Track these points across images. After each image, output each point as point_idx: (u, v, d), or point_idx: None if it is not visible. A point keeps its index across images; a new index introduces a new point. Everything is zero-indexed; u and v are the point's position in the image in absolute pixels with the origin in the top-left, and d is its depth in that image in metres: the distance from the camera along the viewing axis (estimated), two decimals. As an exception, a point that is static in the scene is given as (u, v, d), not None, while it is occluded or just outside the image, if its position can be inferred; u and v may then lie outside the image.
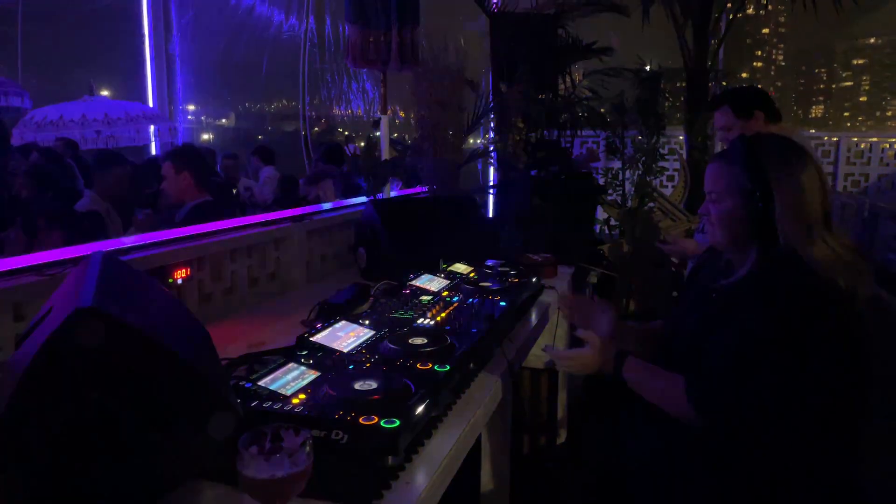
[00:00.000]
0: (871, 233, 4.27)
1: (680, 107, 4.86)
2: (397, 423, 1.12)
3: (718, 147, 4.65)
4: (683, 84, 4.93)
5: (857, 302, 1.36)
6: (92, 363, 0.91)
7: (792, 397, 1.35)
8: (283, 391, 1.25)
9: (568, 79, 4.92)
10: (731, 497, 1.42)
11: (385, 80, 3.19)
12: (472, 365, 1.58)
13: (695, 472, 1.47)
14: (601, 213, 4.68)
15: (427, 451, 1.21)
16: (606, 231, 5.03)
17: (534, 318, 2.19)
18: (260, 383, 1.27)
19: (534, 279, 2.35)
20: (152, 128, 7.39)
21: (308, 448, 0.91)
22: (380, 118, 3.19)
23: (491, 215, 4.26)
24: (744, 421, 1.38)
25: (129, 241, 1.86)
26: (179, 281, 1.93)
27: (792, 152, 1.46)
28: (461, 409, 1.41)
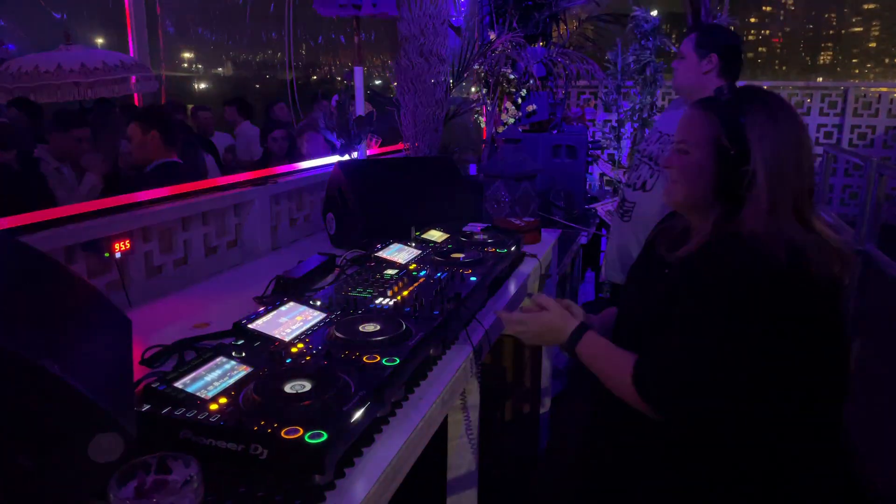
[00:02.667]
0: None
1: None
2: (324, 436, 0.97)
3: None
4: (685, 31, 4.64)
5: (822, 284, 1.17)
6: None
7: (745, 384, 1.18)
8: (202, 394, 1.09)
9: (563, 26, 4.64)
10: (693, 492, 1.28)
11: (358, 27, 2.95)
12: (430, 352, 1.42)
13: (656, 467, 1.32)
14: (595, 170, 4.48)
15: (365, 462, 1.07)
16: (599, 188, 4.83)
17: (512, 290, 2.03)
18: (177, 384, 1.11)
19: (513, 247, 2.18)
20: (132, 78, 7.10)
21: (196, 485, 0.76)
22: (353, 69, 2.96)
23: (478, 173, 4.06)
24: (690, 414, 1.22)
25: (59, 211, 1.68)
26: (118, 255, 1.76)
27: (783, 112, 1.25)
28: (413, 406, 1.26)
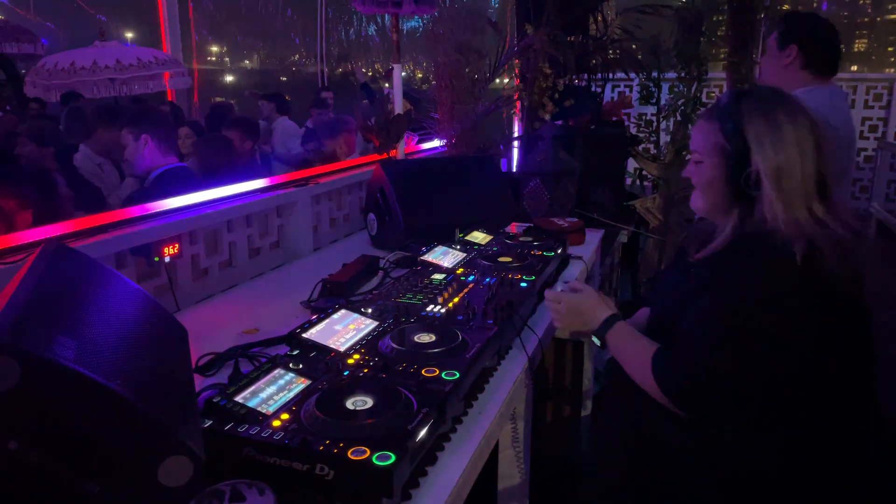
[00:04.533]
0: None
1: (723, 45, 4.42)
2: (392, 458, 0.94)
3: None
4: (722, 17, 4.45)
5: (836, 282, 1.18)
6: (7, 409, 0.74)
7: (762, 376, 1.18)
8: (263, 409, 1.08)
9: (600, 18, 4.54)
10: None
11: (397, 25, 2.91)
12: (486, 363, 1.39)
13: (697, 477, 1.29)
14: (632, 166, 4.40)
15: (430, 483, 1.04)
16: (639, 184, 4.74)
17: (558, 294, 1.98)
18: (237, 398, 1.09)
19: (559, 250, 2.14)
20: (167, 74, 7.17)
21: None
22: (392, 68, 2.93)
23: (515, 170, 4.00)
24: (706, 404, 1.21)
25: (106, 217, 1.67)
26: (167, 259, 1.76)
27: (781, 108, 1.26)
28: (473, 421, 1.23)
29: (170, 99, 7.35)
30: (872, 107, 5.95)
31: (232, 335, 1.60)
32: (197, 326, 1.64)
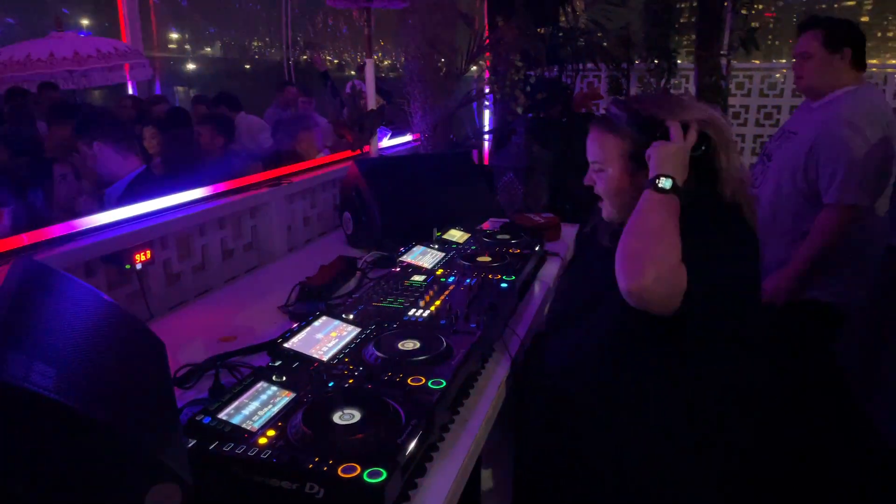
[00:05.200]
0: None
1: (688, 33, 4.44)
2: (384, 475, 0.93)
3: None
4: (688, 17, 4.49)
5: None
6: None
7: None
8: (248, 425, 1.05)
9: (570, 9, 4.54)
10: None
11: (369, 19, 2.87)
12: (471, 369, 1.38)
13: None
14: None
15: (421, 496, 1.03)
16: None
17: (536, 292, 1.99)
18: (221, 415, 1.07)
19: (536, 247, 2.14)
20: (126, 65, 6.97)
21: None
22: (364, 63, 2.88)
23: (486, 163, 4.00)
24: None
25: (76, 224, 1.62)
26: (139, 266, 1.71)
27: (672, 105, 1.35)
28: (460, 428, 1.22)
29: (132, 93, 7.15)
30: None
31: (209, 343, 1.56)
32: (172, 335, 1.59)
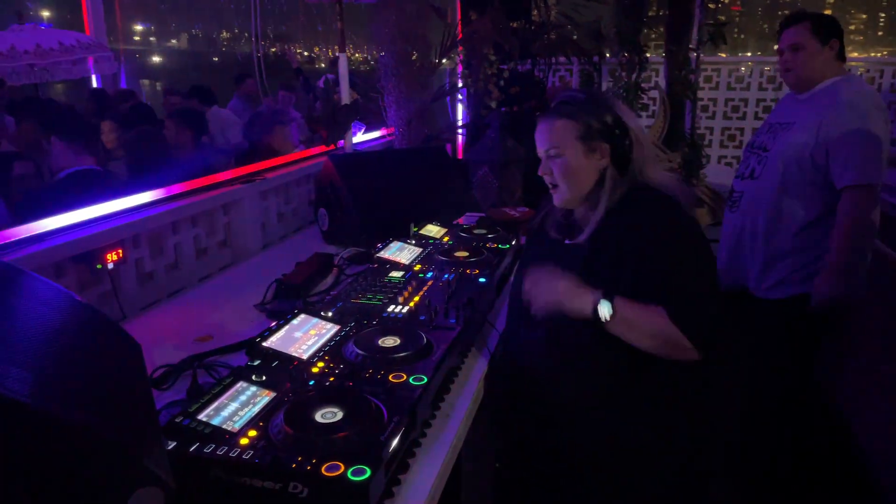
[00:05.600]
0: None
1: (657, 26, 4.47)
2: (368, 472, 0.93)
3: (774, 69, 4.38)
4: (661, 11, 4.52)
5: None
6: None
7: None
8: (228, 426, 1.04)
9: (542, 3, 4.56)
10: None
11: (342, 13, 2.84)
12: (452, 364, 1.39)
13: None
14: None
15: (405, 492, 1.03)
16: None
17: (514, 286, 1.99)
18: (201, 416, 1.06)
19: (513, 241, 2.15)
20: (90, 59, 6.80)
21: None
22: (337, 57, 2.86)
23: (460, 156, 4.00)
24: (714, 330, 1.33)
25: (44, 224, 1.58)
26: (111, 265, 1.68)
27: (605, 98, 1.49)
28: (442, 423, 1.22)
29: (95, 86, 6.99)
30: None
31: (185, 343, 1.54)
32: (146, 335, 1.57)
